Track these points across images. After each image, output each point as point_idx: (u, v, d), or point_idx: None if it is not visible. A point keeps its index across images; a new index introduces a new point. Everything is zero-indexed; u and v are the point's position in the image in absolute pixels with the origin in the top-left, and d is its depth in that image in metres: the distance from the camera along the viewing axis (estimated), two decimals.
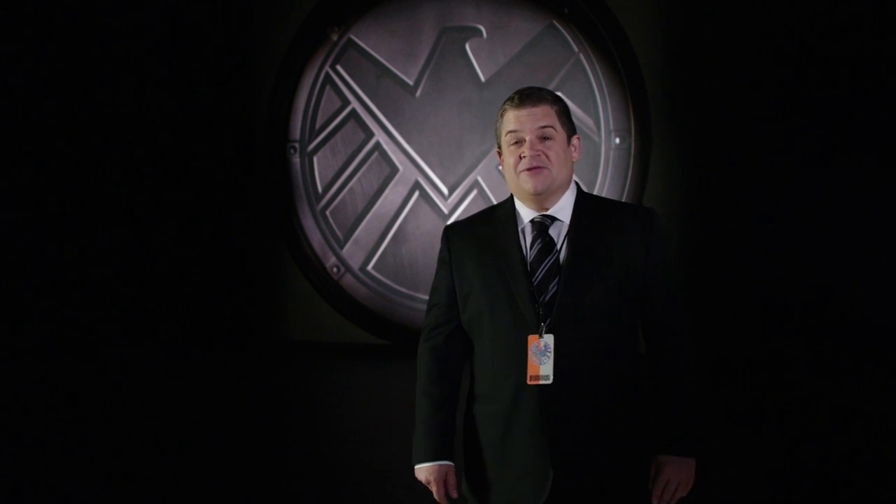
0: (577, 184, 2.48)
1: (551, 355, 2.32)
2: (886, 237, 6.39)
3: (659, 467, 2.36)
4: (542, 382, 2.32)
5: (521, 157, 2.38)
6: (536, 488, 2.33)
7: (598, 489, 2.35)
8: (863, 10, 6.38)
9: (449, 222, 2.74)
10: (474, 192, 7.21)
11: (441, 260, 2.51)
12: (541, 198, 2.39)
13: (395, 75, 7.29)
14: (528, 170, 2.37)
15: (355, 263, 7.40)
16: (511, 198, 2.47)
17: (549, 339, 2.33)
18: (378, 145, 7.35)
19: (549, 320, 2.33)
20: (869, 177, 6.42)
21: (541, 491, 2.33)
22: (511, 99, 2.41)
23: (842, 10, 6.41)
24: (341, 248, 7.42)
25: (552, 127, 2.37)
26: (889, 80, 6.35)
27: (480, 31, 7.18)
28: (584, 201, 2.45)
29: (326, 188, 7.44)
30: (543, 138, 2.37)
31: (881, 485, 4.39)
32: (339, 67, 7.38)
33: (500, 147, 2.45)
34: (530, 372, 2.33)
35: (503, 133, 2.41)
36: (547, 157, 2.37)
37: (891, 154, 6.36)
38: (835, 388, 5.93)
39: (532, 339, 2.33)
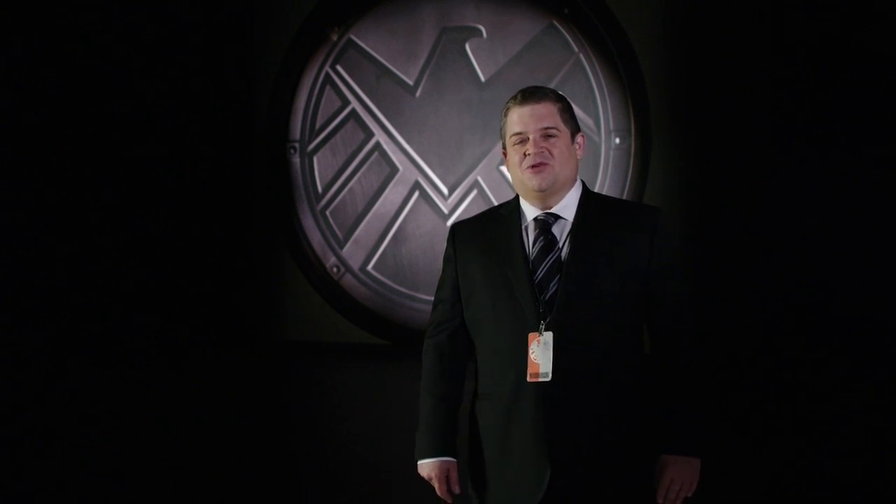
0: (582, 182, 2.50)
1: (551, 352, 2.34)
2: (886, 237, 6.39)
3: (663, 466, 2.37)
4: (541, 380, 2.33)
5: (525, 155, 2.41)
6: (533, 485, 2.34)
7: (596, 487, 2.35)
8: (863, 10, 6.38)
9: (456, 220, 2.78)
10: (474, 192, 7.20)
11: (446, 258, 2.54)
12: (545, 195, 2.41)
13: (395, 75, 7.29)
14: (532, 167, 2.40)
15: (355, 263, 7.39)
16: (516, 197, 2.49)
17: (548, 336, 2.34)
18: (378, 145, 7.35)
19: (548, 318, 2.35)
20: (869, 177, 6.41)
21: (537, 488, 2.33)
22: (514, 97, 2.45)
23: (842, 9, 6.41)
24: (341, 248, 7.41)
25: (555, 127, 2.41)
26: (889, 80, 6.35)
27: (480, 31, 7.17)
28: (590, 200, 2.46)
29: (326, 188, 7.43)
30: (547, 136, 2.40)
31: (881, 485, 4.39)
32: (339, 67, 7.37)
33: (504, 146, 2.48)
34: (530, 369, 2.35)
35: (508, 134, 2.44)
36: (550, 153, 2.40)
37: (891, 154, 6.36)
38: (835, 388, 5.92)
39: (532, 337, 2.35)
